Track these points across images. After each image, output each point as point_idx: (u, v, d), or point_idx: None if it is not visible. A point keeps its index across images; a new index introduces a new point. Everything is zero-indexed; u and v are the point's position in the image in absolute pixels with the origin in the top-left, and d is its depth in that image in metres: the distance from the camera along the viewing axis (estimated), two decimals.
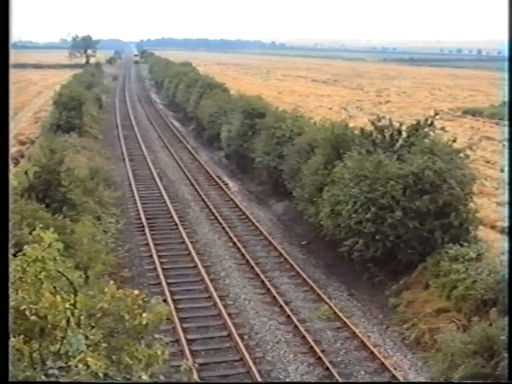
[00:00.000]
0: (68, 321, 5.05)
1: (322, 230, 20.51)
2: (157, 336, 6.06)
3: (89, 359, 4.79)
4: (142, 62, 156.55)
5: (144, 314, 5.63)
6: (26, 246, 5.28)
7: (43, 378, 4.73)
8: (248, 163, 32.32)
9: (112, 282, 6.08)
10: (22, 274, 5.14)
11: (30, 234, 5.74)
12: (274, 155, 27.50)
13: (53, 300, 5.02)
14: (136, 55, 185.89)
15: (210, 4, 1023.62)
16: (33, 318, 4.95)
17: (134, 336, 5.62)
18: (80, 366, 4.75)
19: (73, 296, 5.19)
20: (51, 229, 5.61)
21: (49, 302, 5.00)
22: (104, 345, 5.37)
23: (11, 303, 4.90)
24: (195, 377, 12.66)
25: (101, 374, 4.83)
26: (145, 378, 5.31)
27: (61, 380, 4.74)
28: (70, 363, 4.82)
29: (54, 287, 5.25)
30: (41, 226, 5.83)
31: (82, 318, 5.27)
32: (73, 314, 5.09)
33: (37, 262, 5.17)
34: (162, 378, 5.73)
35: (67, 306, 5.07)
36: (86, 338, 5.21)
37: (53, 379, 4.73)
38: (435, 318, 15.31)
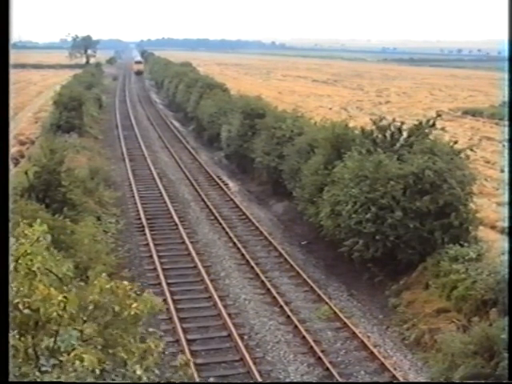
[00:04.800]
0: (61, 315, 5.05)
1: (322, 230, 20.49)
2: (151, 330, 6.07)
3: (84, 355, 4.79)
4: (143, 62, 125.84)
5: (134, 305, 5.64)
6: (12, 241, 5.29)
7: (37, 373, 4.73)
8: (248, 163, 32.30)
9: (104, 274, 6.08)
10: (13, 268, 5.14)
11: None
12: (274, 155, 27.48)
13: (46, 293, 5.02)
14: (138, 62, 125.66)
15: (210, 4, 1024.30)
16: (26, 311, 4.96)
17: (126, 328, 5.63)
18: (77, 362, 4.75)
19: (65, 288, 5.19)
20: (38, 220, 5.60)
21: (42, 295, 5.00)
22: (99, 339, 5.37)
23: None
24: (195, 377, 12.69)
25: (97, 371, 4.83)
26: (139, 372, 5.32)
27: (57, 376, 4.73)
28: (64, 359, 4.82)
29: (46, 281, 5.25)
30: (24, 221, 5.82)
31: (74, 311, 5.27)
32: (65, 307, 5.09)
33: (27, 256, 5.18)
34: (156, 372, 5.75)
35: (60, 298, 5.07)
36: (81, 332, 5.21)
37: (48, 376, 4.73)
38: (435, 319, 15.30)
